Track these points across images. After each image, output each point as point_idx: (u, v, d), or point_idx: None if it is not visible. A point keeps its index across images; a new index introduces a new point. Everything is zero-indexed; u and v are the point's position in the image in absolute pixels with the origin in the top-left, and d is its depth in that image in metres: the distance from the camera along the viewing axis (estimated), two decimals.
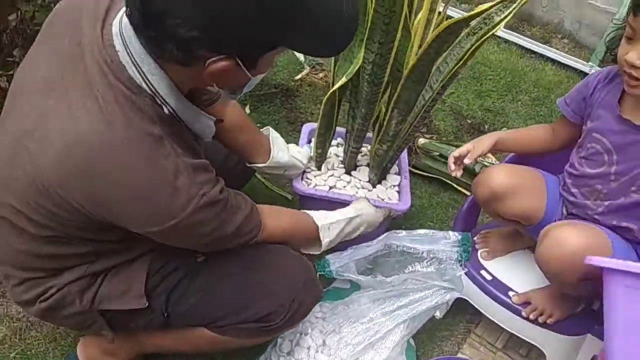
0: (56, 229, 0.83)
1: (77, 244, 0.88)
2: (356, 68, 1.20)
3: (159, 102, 0.79)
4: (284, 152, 1.29)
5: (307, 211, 1.17)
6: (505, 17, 1.06)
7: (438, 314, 1.37)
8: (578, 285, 1.07)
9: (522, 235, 1.30)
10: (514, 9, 1.05)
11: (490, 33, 1.07)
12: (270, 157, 1.25)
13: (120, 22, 0.77)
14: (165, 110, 0.80)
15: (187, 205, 0.79)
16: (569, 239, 1.00)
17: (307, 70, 2.16)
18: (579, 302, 1.21)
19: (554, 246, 1.02)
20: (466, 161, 1.20)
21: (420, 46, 1.18)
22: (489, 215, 1.27)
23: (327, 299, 1.30)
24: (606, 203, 1.09)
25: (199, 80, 0.79)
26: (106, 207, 0.79)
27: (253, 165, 1.27)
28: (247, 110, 1.92)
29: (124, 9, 0.76)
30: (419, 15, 1.21)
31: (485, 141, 1.22)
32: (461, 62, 1.12)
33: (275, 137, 1.28)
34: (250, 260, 1.01)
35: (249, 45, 0.72)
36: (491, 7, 1.06)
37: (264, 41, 0.73)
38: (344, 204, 1.32)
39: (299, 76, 2.13)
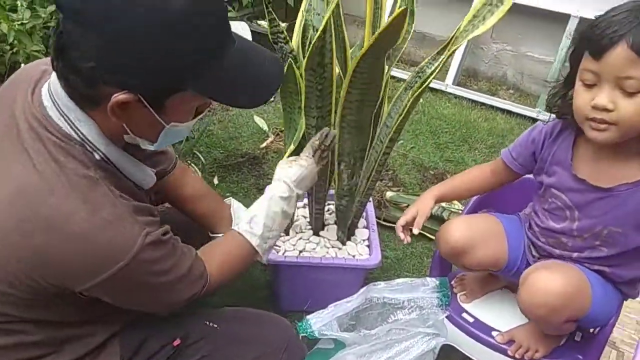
0: (8, 313, 0.81)
1: (31, 332, 0.84)
2: (301, 134, 1.25)
3: (89, 149, 0.79)
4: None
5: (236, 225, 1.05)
6: (436, 68, 1.14)
7: None
8: (561, 327, 1.09)
9: (497, 276, 1.32)
10: (442, 61, 1.14)
11: (425, 85, 1.15)
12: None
13: (49, 83, 0.80)
14: (97, 156, 0.80)
15: (132, 245, 0.76)
16: (549, 284, 1.02)
17: (271, 138, 2.22)
18: (562, 335, 1.22)
19: (535, 293, 1.03)
20: (415, 232, 1.18)
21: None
22: (457, 266, 1.29)
23: None
24: (574, 255, 1.10)
25: (114, 124, 0.79)
26: (49, 263, 0.75)
27: (215, 236, 1.18)
28: (216, 180, 1.94)
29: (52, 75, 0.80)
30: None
31: (427, 202, 1.21)
32: (404, 115, 1.19)
33: (236, 208, 1.21)
34: (229, 336, 0.98)
35: (149, 81, 0.74)
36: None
37: (165, 79, 0.74)
38: (314, 267, 1.33)
39: (264, 144, 2.18)
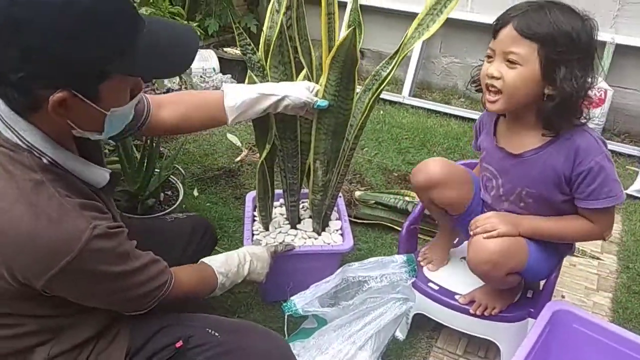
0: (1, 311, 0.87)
1: (24, 324, 0.90)
2: (273, 132, 1.39)
3: (37, 155, 0.83)
4: (241, 92, 1.22)
5: (207, 259, 1.23)
6: (390, 71, 1.32)
7: (401, 335, 1.50)
8: (505, 280, 1.26)
9: (449, 234, 1.50)
10: (395, 64, 1.32)
11: (382, 86, 1.34)
12: (226, 107, 1.22)
13: None
14: (45, 161, 0.84)
15: (79, 237, 0.80)
16: (489, 244, 1.20)
17: (245, 152, 2.37)
18: (515, 292, 1.39)
19: (478, 252, 1.22)
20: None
21: None
22: (423, 201, 1.44)
23: (297, 339, 1.40)
24: None
25: (59, 124, 0.83)
26: (6, 264, 0.81)
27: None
28: (196, 192, 2.07)
29: None
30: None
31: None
32: (366, 113, 1.36)
33: (228, 87, 1.24)
34: (228, 345, 1.04)
35: (75, 75, 0.78)
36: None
37: (90, 69, 0.78)
38: (295, 255, 1.47)
39: (238, 158, 2.32)
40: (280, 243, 1.46)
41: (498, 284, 1.30)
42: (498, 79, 1.12)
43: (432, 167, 1.34)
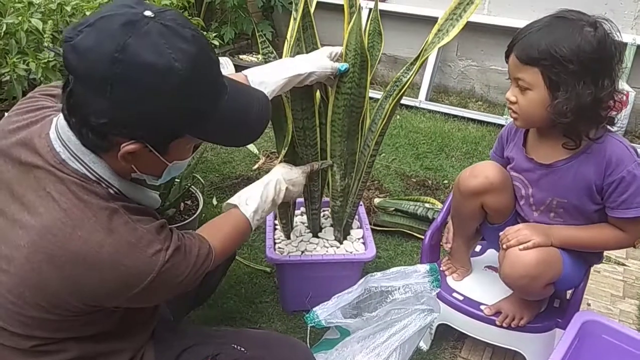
0: (41, 336, 0.87)
1: (66, 350, 0.90)
2: (290, 138, 1.39)
3: (105, 185, 0.87)
4: (269, 82, 1.19)
5: (242, 198, 1.19)
6: (410, 76, 1.32)
7: (424, 346, 1.48)
8: (542, 292, 1.24)
9: (467, 242, 1.46)
10: (415, 71, 1.32)
11: (403, 91, 1.33)
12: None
13: (56, 128, 0.87)
14: (112, 191, 0.88)
15: (156, 261, 0.85)
16: (525, 257, 1.17)
17: (262, 160, 2.37)
18: (542, 302, 1.36)
19: (515, 266, 1.19)
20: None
21: None
22: (464, 208, 1.36)
23: (320, 350, 1.39)
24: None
25: (124, 165, 0.86)
26: (84, 290, 0.83)
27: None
28: (214, 201, 2.07)
29: (55, 118, 0.89)
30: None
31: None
32: (386, 119, 1.36)
33: (252, 75, 1.20)
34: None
35: (154, 133, 0.83)
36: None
37: (169, 130, 0.84)
38: (317, 264, 1.45)
39: (255, 166, 2.33)
40: (316, 162, 1.41)
41: (535, 296, 1.28)
42: (514, 103, 1.15)
43: (491, 170, 1.28)
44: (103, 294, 0.85)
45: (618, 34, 1.09)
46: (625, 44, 2.47)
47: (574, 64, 1.05)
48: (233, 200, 1.18)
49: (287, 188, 1.26)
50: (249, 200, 1.17)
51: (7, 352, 0.88)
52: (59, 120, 0.87)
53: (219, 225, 1.13)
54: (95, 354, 0.94)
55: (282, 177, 1.27)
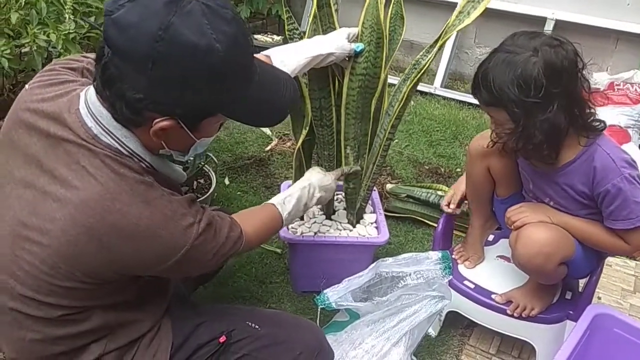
0: (69, 305, 0.88)
1: (91, 318, 0.92)
2: (309, 119, 1.40)
3: (137, 160, 0.89)
4: (290, 61, 1.20)
5: (281, 200, 1.23)
6: (429, 59, 1.31)
7: (433, 332, 1.49)
8: (556, 272, 1.23)
9: (482, 229, 1.49)
10: (434, 53, 1.31)
11: (421, 73, 1.32)
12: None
13: (86, 104, 0.86)
14: (144, 165, 0.90)
15: (190, 233, 0.88)
16: (538, 235, 1.18)
17: (275, 141, 2.36)
18: (554, 293, 1.36)
19: (528, 245, 1.19)
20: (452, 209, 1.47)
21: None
22: (474, 172, 1.40)
23: (330, 332, 1.40)
24: None
25: (155, 141, 0.87)
26: (121, 260, 0.85)
27: None
28: (227, 181, 2.08)
29: (81, 93, 0.88)
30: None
31: (462, 184, 1.46)
32: (403, 102, 1.35)
33: (274, 55, 1.20)
34: (268, 337, 1.06)
35: (189, 110, 0.84)
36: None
37: (203, 108, 0.86)
38: (331, 244, 1.45)
39: (268, 147, 2.32)
40: (346, 166, 1.46)
41: (548, 277, 1.27)
42: (495, 133, 1.20)
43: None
44: (139, 264, 0.88)
45: (569, 44, 1.10)
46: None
47: (532, 97, 1.06)
48: (273, 200, 1.22)
49: (320, 196, 1.31)
50: (287, 200, 1.22)
51: (30, 321, 0.89)
52: (89, 96, 0.87)
53: (255, 214, 1.18)
54: (116, 324, 0.96)
55: (316, 184, 1.31)
